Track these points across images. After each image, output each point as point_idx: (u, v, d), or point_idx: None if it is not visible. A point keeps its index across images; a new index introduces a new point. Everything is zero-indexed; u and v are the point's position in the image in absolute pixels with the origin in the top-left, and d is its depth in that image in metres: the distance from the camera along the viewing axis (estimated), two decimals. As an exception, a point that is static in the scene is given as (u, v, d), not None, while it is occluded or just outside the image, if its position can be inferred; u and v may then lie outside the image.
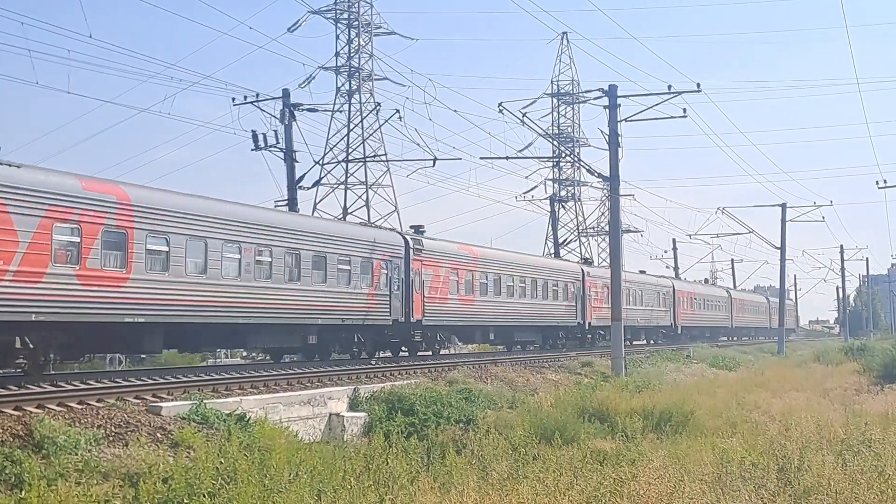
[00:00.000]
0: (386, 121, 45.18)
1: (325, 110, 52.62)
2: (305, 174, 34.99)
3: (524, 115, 32.53)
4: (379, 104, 50.29)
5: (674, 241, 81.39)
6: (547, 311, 41.00)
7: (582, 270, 45.42)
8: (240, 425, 15.10)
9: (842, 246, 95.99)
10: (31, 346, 17.91)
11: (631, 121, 32.57)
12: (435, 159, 37.36)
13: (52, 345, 18.57)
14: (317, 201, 52.50)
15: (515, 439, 16.07)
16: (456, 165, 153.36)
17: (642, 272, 58.60)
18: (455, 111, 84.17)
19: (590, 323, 44.64)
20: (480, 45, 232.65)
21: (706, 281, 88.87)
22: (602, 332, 45.30)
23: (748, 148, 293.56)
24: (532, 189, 64.85)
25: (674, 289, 60.12)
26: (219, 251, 22.17)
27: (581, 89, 71.05)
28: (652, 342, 56.18)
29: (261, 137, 32.97)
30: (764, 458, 13.77)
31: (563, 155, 66.34)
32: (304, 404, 18.36)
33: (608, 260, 45.33)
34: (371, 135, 53.26)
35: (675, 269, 78.93)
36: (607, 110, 32.10)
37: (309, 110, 38.40)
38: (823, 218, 64.39)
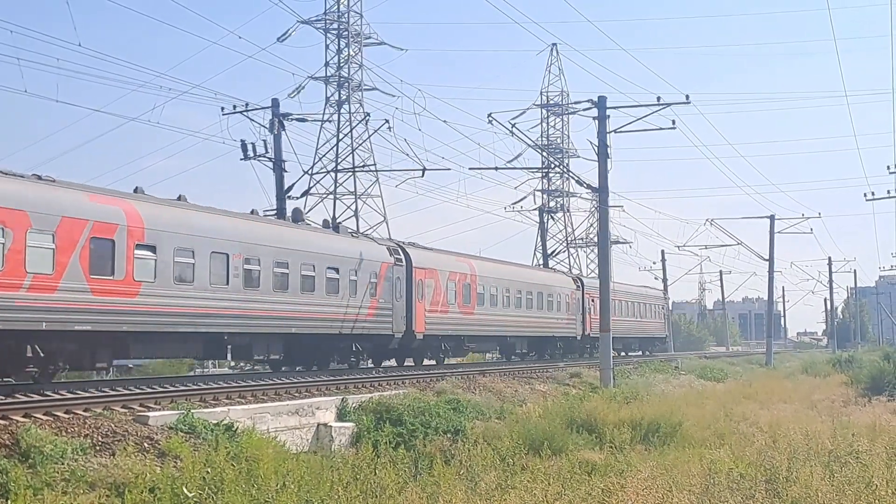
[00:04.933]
0: (375, 131, 45.23)
1: (315, 120, 52.83)
2: (294, 184, 35.00)
3: (513, 125, 32.60)
4: (368, 114, 50.35)
5: (662, 252, 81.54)
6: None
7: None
8: (227, 435, 15.03)
9: (830, 258, 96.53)
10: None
11: (620, 132, 32.68)
12: (424, 169, 37.32)
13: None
14: (305, 211, 52.46)
15: (503, 450, 16.07)
16: (445, 176, 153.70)
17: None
18: (444, 121, 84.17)
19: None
20: (470, 56, 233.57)
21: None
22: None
23: (737, 160, 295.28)
24: (521, 200, 65.02)
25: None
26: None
27: (570, 100, 71.39)
28: (648, 353, 56.33)
29: (250, 147, 32.92)
30: (752, 469, 13.82)
31: (553, 166, 66.53)
32: (292, 414, 18.30)
33: (597, 271, 45.49)
34: (360, 145, 53.43)
35: (664, 280, 79.09)
36: (596, 121, 32.17)
37: (298, 120, 38.43)
38: (812, 230, 64.79)
